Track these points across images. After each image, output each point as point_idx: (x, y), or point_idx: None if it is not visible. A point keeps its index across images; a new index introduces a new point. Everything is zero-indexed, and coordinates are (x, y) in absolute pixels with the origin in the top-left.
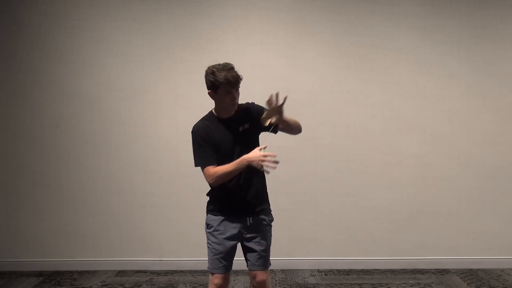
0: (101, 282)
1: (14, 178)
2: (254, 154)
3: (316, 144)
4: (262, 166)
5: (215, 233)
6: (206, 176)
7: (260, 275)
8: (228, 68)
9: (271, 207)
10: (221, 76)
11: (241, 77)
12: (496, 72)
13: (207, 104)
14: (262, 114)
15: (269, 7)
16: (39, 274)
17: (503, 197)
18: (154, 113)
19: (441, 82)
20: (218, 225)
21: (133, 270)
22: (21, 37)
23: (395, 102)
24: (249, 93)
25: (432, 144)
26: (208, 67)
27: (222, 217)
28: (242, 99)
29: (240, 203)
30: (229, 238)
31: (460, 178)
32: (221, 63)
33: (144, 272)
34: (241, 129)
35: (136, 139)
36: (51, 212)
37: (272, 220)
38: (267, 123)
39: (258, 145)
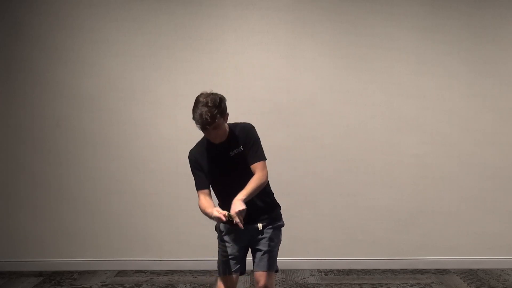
0: (101, 282)
1: (14, 178)
2: (219, 215)
3: (316, 144)
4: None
5: (225, 237)
6: (198, 202)
7: (264, 279)
8: (208, 106)
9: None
10: (195, 114)
11: (214, 119)
12: (496, 72)
13: None
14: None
15: (269, 7)
16: (39, 274)
17: (503, 197)
18: (154, 113)
19: (441, 82)
20: (228, 229)
21: (133, 270)
22: (21, 37)
23: (395, 102)
24: (250, 93)
25: (432, 144)
26: (200, 94)
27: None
28: (243, 99)
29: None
30: (238, 242)
31: (460, 178)
32: (210, 94)
33: (144, 272)
34: (232, 153)
35: (136, 139)
36: (51, 212)
37: (282, 225)
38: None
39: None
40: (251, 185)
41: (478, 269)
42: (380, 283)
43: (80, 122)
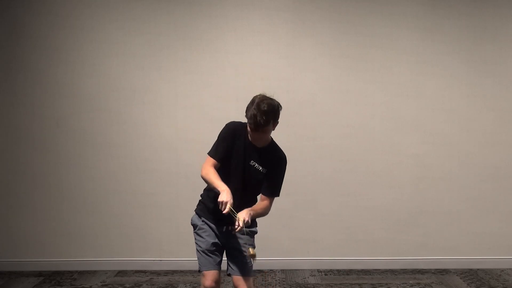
0: (101, 282)
1: (14, 178)
2: (229, 200)
3: (316, 144)
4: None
5: (199, 231)
6: (203, 165)
7: (242, 284)
8: (263, 109)
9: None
10: (250, 113)
11: (268, 123)
12: (496, 72)
13: (207, 104)
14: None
15: (269, 7)
16: (39, 274)
17: (503, 197)
18: (154, 113)
19: (441, 82)
20: (202, 223)
21: (133, 270)
22: (21, 37)
23: (395, 102)
24: (249, 93)
25: (432, 144)
26: (259, 94)
27: (204, 219)
28: (243, 99)
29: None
30: (212, 236)
31: (460, 178)
32: (269, 98)
33: (144, 272)
34: (252, 163)
35: (136, 139)
36: (51, 212)
37: (256, 232)
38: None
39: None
40: (259, 209)
41: (478, 269)
42: (380, 283)
43: (80, 122)
